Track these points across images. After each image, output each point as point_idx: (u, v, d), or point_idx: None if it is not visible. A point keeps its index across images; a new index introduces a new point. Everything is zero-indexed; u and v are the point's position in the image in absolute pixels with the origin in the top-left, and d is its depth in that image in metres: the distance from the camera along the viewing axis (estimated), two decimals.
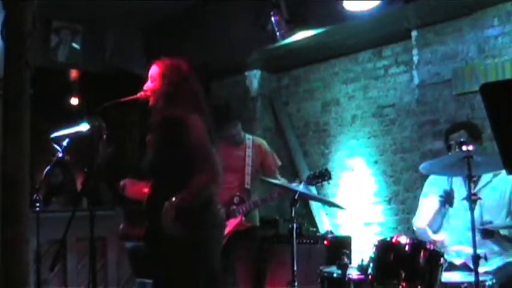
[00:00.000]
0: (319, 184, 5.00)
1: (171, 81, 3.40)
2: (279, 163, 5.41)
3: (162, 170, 3.33)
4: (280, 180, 5.07)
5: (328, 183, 5.02)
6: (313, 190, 6.67)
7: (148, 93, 3.46)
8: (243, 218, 5.02)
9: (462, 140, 3.58)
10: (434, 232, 4.12)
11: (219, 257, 3.47)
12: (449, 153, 3.93)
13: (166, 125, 3.33)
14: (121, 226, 6.01)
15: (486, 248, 3.71)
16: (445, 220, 4.14)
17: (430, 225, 4.10)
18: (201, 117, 3.34)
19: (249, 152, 5.19)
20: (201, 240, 3.30)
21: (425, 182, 4.37)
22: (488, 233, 3.79)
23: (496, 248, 3.86)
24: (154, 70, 3.48)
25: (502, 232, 3.84)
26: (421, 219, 4.17)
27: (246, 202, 5.05)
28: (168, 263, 3.29)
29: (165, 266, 3.31)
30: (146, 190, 3.50)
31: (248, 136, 5.33)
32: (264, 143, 5.40)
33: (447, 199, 3.95)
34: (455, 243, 3.99)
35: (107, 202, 6.85)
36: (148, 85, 3.48)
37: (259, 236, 5.37)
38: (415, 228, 4.26)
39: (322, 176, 4.89)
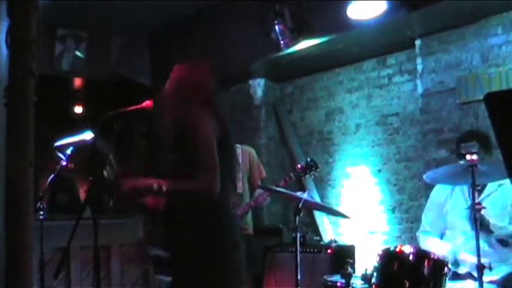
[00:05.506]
0: (308, 175, 5.16)
1: (187, 82, 3.35)
2: (264, 174, 5.43)
3: (174, 174, 3.24)
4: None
5: (316, 174, 5.16)
6: (316, 198, 6.70)
7: (168, 95, 3.41)
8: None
9: (474, 151, 3.51)
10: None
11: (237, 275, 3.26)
12: (461, 162, 3.68)
13: (176, 128, 3.27)
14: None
15: (490, 257, 3.69)
16: (449, 229, 4.13)
17: None
18: (213, 119, 3.21)
19: (238, 158, 5.19)
20: (217, 253, 3.16)
21: (431, 193, 4.35)
22: (503, 242, 3.78)
23: (503, 257, 3.83)
24: (173, 71, 3.43)
25: None
26: (432, 246, 4.07)
27: (240, 206, 5.03)
28: (182, 268, 3.22)
29: (180, 272, 3.24)
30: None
31: (237, 145, 5.30)
32: (252, 151, 5.39)
33: None
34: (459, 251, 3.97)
35: (108, 211, 6.85)
36: (166, 86, 3.43)
37: (253, 241, 5.35)
38: (418, 240, 4.23)
39: (309, 167, 5.02)
